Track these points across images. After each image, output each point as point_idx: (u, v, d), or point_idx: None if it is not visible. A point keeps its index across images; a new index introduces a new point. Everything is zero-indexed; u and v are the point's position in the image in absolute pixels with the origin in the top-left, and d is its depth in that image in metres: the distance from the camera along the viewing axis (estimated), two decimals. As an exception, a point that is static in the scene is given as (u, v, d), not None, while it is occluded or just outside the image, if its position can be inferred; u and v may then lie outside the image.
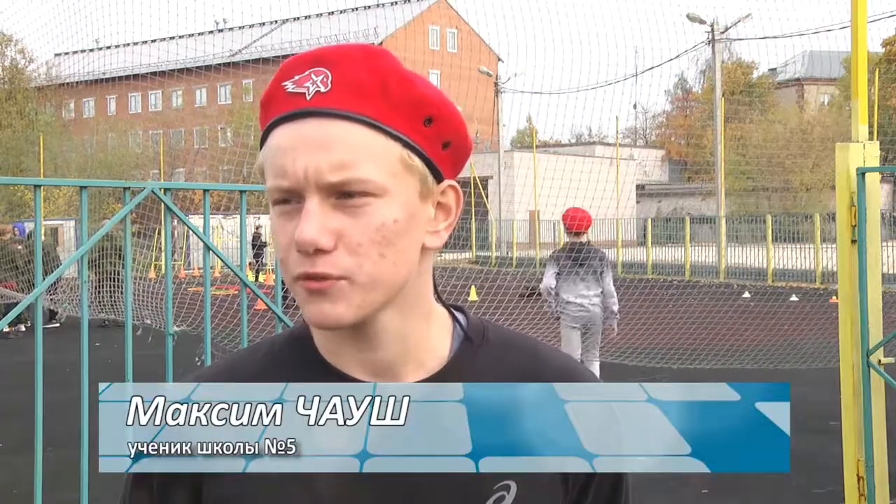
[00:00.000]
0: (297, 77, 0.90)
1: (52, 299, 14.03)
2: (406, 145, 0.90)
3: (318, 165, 0.87)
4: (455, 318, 1.02)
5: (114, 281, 13.78)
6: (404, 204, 0.90)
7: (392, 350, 0.96)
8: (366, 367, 0.96)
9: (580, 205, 9.26)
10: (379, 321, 0.93)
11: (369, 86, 0.89)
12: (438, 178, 0.94)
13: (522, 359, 1.02)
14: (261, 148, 0.93)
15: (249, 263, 20.17)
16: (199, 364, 6.99)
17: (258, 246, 22.21)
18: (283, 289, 3.83)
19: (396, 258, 0.90)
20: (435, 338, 0.99)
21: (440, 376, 0.97)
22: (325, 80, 0.89)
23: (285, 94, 0.90)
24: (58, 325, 14.05)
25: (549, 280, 7.07)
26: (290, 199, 0.89)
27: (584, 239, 7.23)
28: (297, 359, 0.99)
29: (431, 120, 0.92)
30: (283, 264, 0.90)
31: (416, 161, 0.91)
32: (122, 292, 13.83)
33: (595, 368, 7.22)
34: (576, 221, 7.20)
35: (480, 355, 1.00)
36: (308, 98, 0.89)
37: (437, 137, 0.93)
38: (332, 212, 0.87)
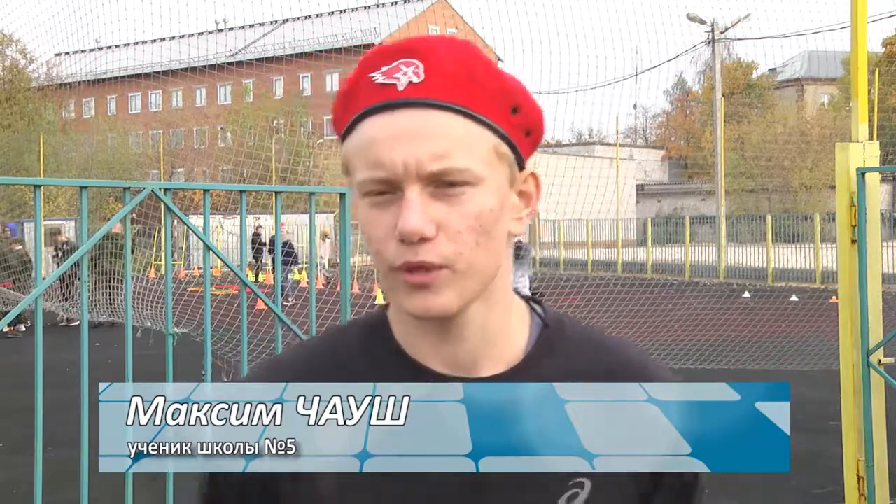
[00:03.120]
0: (385, 68, 0.89)
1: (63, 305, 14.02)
2: (497, 134, 0.91)
3: (418, 156, 0.87)
4: (533, 310, 1.02)
5: (110, 281, 13.77)
6: (497, 192, 0.91)
7: (474, 342, 0.95)
8: (445, 358, 0.96)
9: (580, 205, 9.38)
10: (466, 312, 0.93)
11: (461, 76, 0.89)
12: (521, 166, 0.95)
13: (600, 353, 1.01)
14: (342, 139, 0.93)
15: (249, 263, 20.17)
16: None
17: (258, 246, 22.19)
18: (282, 290, 3.83)
19: (489, 245, 0.90)
20: (514, 330, 0.99)
21: (518, 369, 0.97)
22: (416, 70, 0.89)
23: (374, 84, 0.89)
24: (56, 325, 13.99)
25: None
26: (386, 189, 0.88)
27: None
28: (373, 350, 0.99)
29: (517, 109, 0.93)
30: (378, 255, 0.90)
31: (506, 149, 0.92)
32: (118, 293, 13.86)
33: None
34: None
35: (558, 349, 1.00)
36: (400, 89, 0.88)
37: (522, 126, 0.94)
38: (431, 201, 0.88)
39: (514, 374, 0.96)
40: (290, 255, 15.24)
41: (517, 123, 0.93)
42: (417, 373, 0.96)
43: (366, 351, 0.99)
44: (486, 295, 0.94)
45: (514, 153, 0.93)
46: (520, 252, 7.37)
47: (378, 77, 0.89)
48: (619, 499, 0.98)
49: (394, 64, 0.89)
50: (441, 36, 0.91)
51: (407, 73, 0.88)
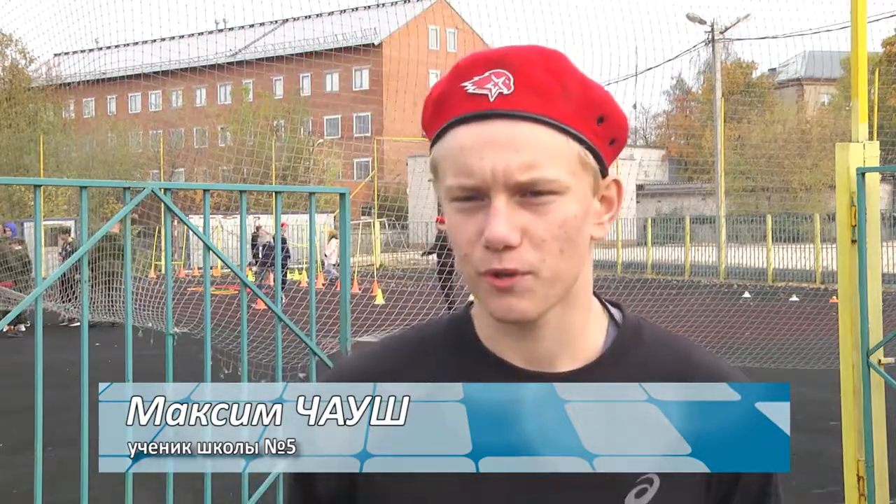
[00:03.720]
0: (476, 78, 0.93)
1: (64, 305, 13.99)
2: (583, 144, 0.94)
3: (507, 165, 0.90)
4: (610, 314, 1.05)
5: (109, 282, 13.75)
6: (581, 200, 0.94)
7: (552, 341, 0.99)
8: (523, 354, 0.99)
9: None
10: (545, 315, 0.96)
11: (550, 88, 0.92)
12: (604, 173, 0.97)
13: (674, 358, 1.03)
14: (432, 146, 0.96)
15: (249, 263, 20.16)
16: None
17: (257, 246, 22.19)
18: (282, 288, 3.82)
19: (573, 252, 0.93)
20: (592, 330, 1.02)
21: (592, 367, 1.00)
22: (506, 81, 0.92)
23: (465, 94, 0.93)
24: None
25: None
26: (473, 196, 0.92)
27: None
28: (455, 342, 1.03)
29: (603, 119, 0.95)
30: (465, 259, 0.93)
31: (591, 159, 0.95)
32: (118, 293, 13.86)
33: None
34: None
35: (633, 351, 1.02)
36: (491, 100, 0.91)
37: (607, 135, 0.96)
38: (517, 209, 0.91)
39: (586, 372, 0.99)
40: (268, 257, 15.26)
41: (602, 133, 0.95)
42: (497, 365, 0.99)
43: (447, 344, 1.03)
44: (566, 298, 0.97)
45: (597, 162, 0.96)
46: None
47: (470, 87, 0.93)
48: (690, 498, 0.99)
49: (485, 74, 0.93)
50: (533, 46, 0.95)
51: (498, 84, 0.92)
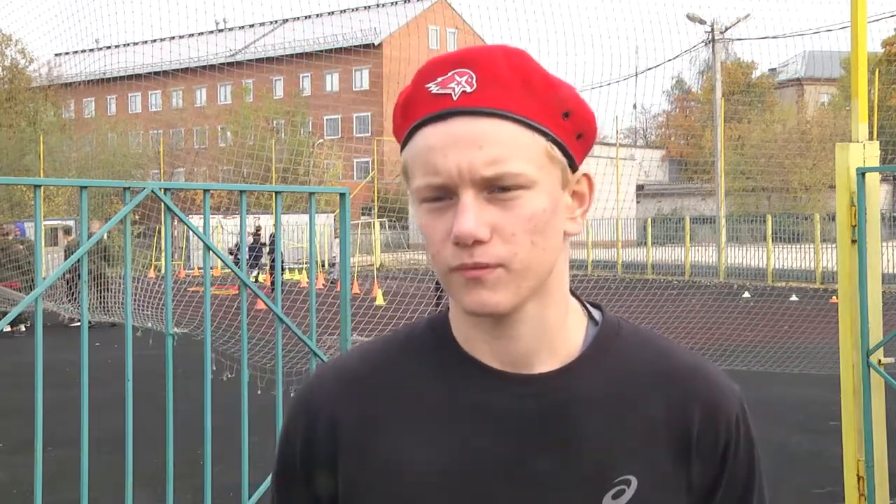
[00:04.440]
0: (440, 79, 0.94)
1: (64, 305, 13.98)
2: (549, 139, 0.94)
3: (472, 161, 0.90)
4: (590, 313, 1.05)
5: (97, 283, 13.84)
6: (550, 194, 0.94)
7: (529, 338, 0.98)
8: (499, 354, 0.99)
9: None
10: (520, 310, 0.96)
11: (513, 83, 0.93)
12: (573, 168, 0.98)
13: (656, 357, 1.03)
14: (402, 149, 0.97)
15: (249, 264, 20.14)
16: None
17: (258, 246, 22.19)
18: (282, 289, 3.82)
19: (545, 245, 0.94)
20: (570, 329, 1.01)
21: (571, 367, 0.99)
22: (469, 80, 0.93)
23: (430, 95, 0.94)
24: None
25: None
26: (442, 195, 0.92)
27: None
28: (432, 345, 1.03)
29: (569, 114, 0.96)
30: (436, 258, 0.94)
31: (558, 153, 0.95)
32: (110, 294, 13.89)
33: None
34: None
35: (613, 350, 1.02)
36: (455, 98, 0.92)
37: (574, 130, 0.97)
38: (485, 205, 0.91)
39: (567, 372, 0.99)
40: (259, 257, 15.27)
41: (569, 128, 0.96)
42: (472, 367, 0.99)
43: (423, 347, 1.04)
44: (541, 293, 0.97)
45: (565, 156, 0.96)
46: None
47: (434, 88, 0.93)
48: (669, 499, 0.99)
49: (448, 74, 0.93)
50: (495, 45, 0.95)
51: (461, 83, 0.92)
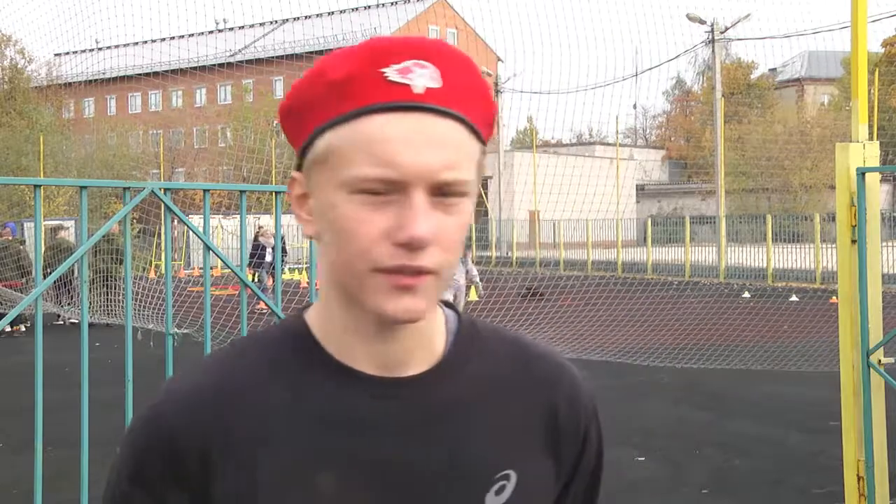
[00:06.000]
0: (396, 66, 0.88)
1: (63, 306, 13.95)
2: (482, 148, 0.94)
3: (432, 163, 0.87)
4: (445, 313, 1.04)
5: (105, 281, 13.71)
6: (473, 202, 0.93)
7: (410, 340, 0.96)
8: (375, 359, 0.96)
9: (580, 205, 9.46)
10: None
11: (473, 89, 0.91)
12: None
13: (512, 349, 1.04)
14: (323, 129, 0.91)
15: (249, 264, 20.15)
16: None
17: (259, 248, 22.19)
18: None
19: (458, 253, 0.93)
20: (439, 327, 1.00)
21: (443, 367, 0.98)
22: (433, 75, 0.88)
23: (385, 81, 0.88)
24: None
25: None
26: (387, 190, 0.87)
27: None
28: (299, 357, 0.97)
29: (492, 124, 0.96)
30: (362, 255, 0.88)
31: (482, 160, 0.95)
32: (115, 293, 13.82)
33: None
34: None
35: (476, 346, 1.02)
36: (418, 91, 0.88)
37: (489, 137, 0.96)
38: (430, 209, 0.88)
39: (438, 373, 0.98)
40: (262, 258, 15.22)
41: (488, 135, 0.95)
42: (345, 374, 0.96)
43: (290, 361, 0.97)
44: None
45: None
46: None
47: (392, 74, 0.88)
48: (544, 489, 1.01)
49: (405, 63, 0.88)
50: (441, 41, 0.92)
51: (423, 77, 0.88)
